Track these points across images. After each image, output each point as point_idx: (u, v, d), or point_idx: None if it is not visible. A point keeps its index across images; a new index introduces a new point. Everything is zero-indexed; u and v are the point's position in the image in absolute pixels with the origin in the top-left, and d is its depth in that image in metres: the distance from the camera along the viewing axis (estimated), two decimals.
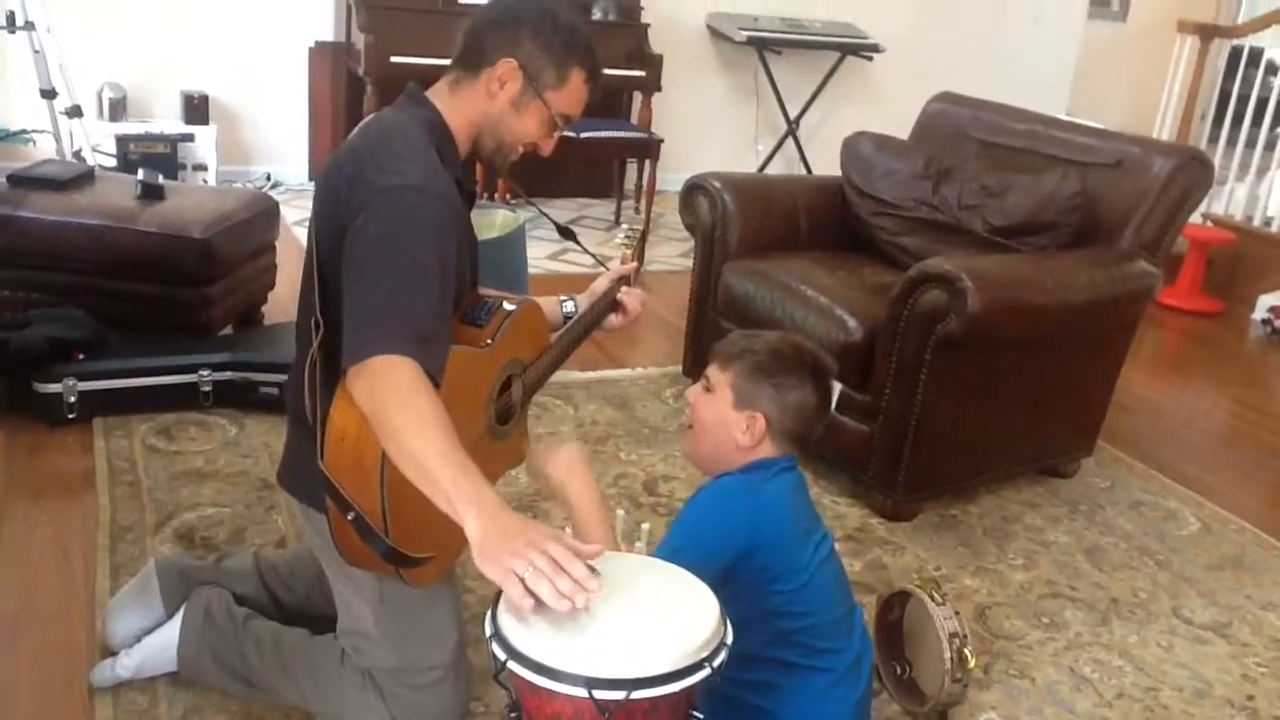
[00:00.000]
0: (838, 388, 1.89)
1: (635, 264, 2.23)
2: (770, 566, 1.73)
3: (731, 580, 1.62)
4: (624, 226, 2.29)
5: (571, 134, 5.07)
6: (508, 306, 1.85)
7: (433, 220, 1.60)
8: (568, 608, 1.28)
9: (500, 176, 4.94)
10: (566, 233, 2.24)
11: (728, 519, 1.74)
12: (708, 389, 1.84)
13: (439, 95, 1.79)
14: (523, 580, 1.29)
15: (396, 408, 1.44)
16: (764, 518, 1.74)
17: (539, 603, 1.29)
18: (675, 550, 1.62)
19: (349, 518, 1.55)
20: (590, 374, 3.59)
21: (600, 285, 2.13)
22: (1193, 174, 3.03)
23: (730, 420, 1.80)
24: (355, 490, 1.56)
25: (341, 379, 1.54)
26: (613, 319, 2.14)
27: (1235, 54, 5.87)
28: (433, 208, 1.61)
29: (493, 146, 1.82)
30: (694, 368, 3.48)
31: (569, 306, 2.12)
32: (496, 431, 1.85)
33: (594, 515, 1.71)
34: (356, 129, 1.81)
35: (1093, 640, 2.46)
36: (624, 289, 2.14)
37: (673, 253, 5.18)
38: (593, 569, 1.39)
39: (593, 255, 2.52)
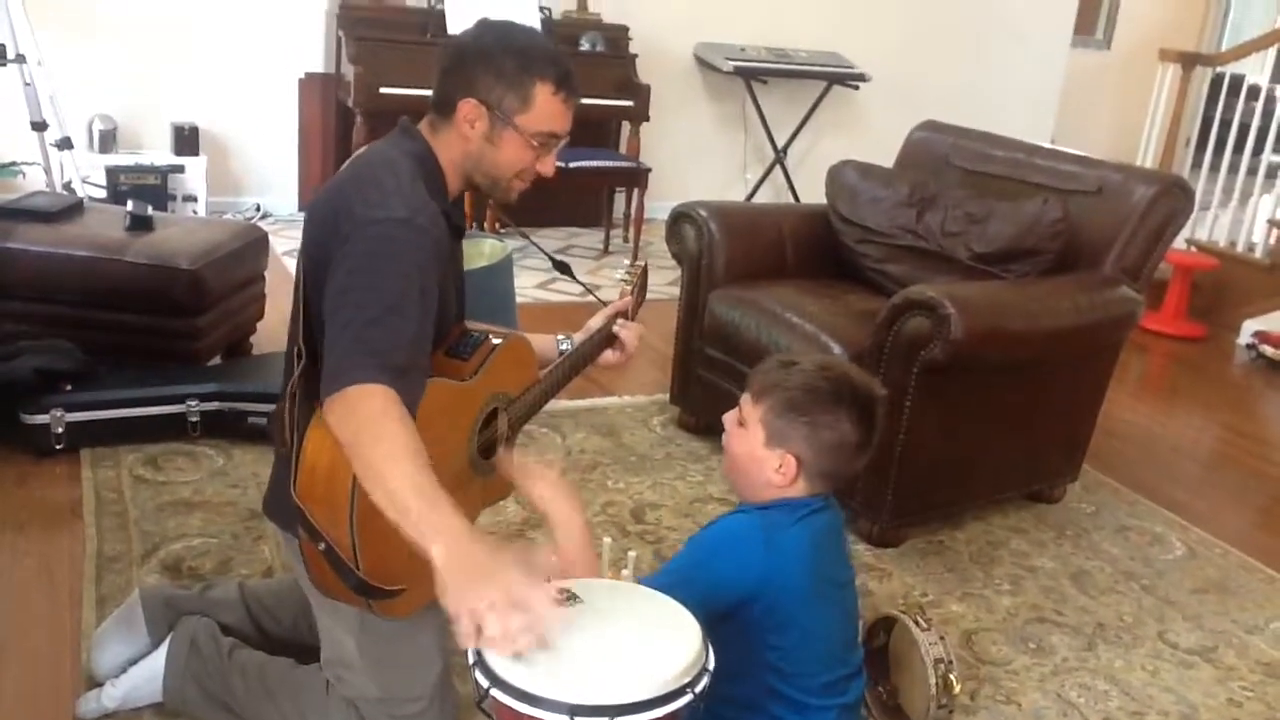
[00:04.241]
0: None
1: (632, 299, 2.18)
2: (769, 617, 1.66)
3: (727, 624, 1.57)
4: (626, 265, 2.28)
5: (560, 164, 5.05)
6: (494, 340, 1.85)
7: (415, 253, 1.61)
8: (508, 652, 1.28)
9: (502, 208, 4.95)
10: (562, 267, 2.23)
11: (733, 563, 1.67)
12: (741, 422, 1.76)
13: (425, 130, 1.80)
14: (473, 615, 1.28)
15: (370, 437, 1.44)
16: (775, 568, 1.66)
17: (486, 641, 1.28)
18: (670, 584, 1.55)
19: (320, 548, 1.56)
20: (578, 402, 3.60)
21: (596, 322, 2.11)
22: (1174, 201, 3.06)
23: (761, 457, 1.72)
24: (326, 521, 1.56)
25: (318, 409, 1.54)
26: (609, 355, 2.11)
27: (1217, 81, 5.93)
28: (415, 240, 1.62)
29: (488, 183, 1.82)
30: (680, 395, 3.49)
31: (564, 345, 2.09)
32: (479, 465, 1.84)
33: (579, 538, 1.67)
34: (347, 162, 1.82)
35: (1079, 665, 2.47)
36: (620, 322, 2.11)
37: (661, 281, 5.19)
38: (575, 595, 1.40)
39: (584, 286, 2.53)
